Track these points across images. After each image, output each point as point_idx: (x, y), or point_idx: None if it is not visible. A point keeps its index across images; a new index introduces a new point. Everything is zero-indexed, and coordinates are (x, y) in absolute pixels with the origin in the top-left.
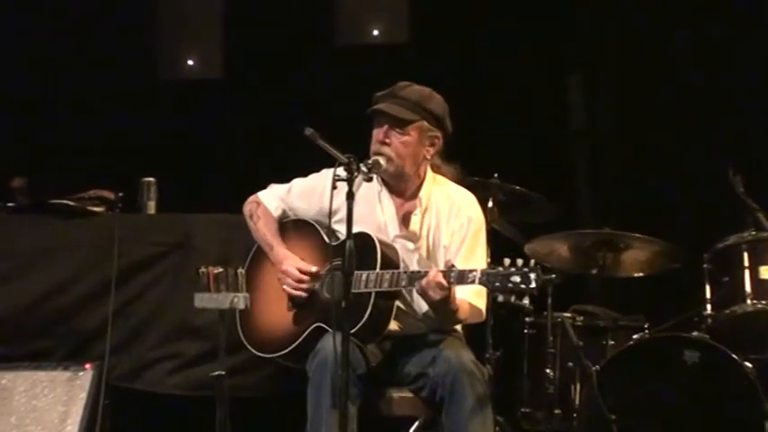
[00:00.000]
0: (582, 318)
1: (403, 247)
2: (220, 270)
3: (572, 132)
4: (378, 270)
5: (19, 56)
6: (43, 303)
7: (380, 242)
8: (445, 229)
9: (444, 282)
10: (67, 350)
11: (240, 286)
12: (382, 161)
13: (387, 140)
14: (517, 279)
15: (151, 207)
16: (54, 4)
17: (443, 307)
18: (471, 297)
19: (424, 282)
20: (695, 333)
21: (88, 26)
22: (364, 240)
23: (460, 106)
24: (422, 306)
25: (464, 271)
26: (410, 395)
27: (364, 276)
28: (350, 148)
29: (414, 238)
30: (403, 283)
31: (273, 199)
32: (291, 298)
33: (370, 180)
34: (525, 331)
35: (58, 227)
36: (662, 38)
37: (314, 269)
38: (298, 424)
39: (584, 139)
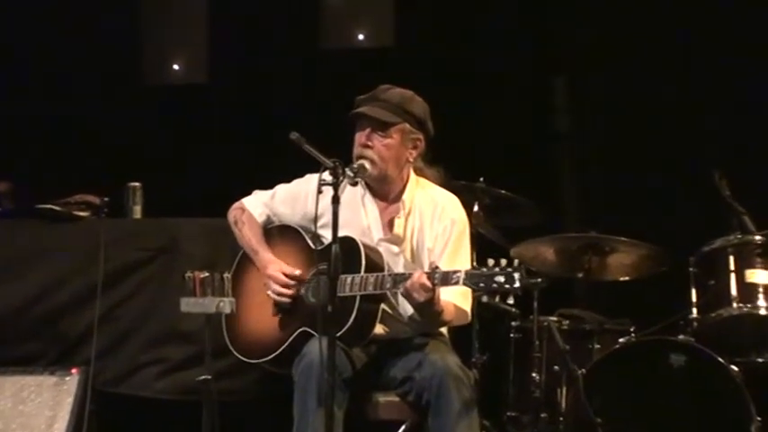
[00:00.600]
0: (568, 321)
1: (387, 251)
2: (206, 275)
3: (558, 135)
4: (362, 273)
5: (3, 59)
6: (29, 308)
7: (364, 246)
8: (429, 231)
9: (428, 283)
10: (54, 355)
11: (226, 291)
12: (367, 165)
13: (369, 143)
14: (501, 279)
15: (137, 212)
16: (39, 8)
17: (428, 309)
18: (456, 299)
19: (408, 284)
20: (681, 336)
21: (74, 30)
22: (348, 244)
23: (446, 110)
24: (407, 309)
25: (448, 272)
26: (396, 399)
27: (349, 280)
28: (336, 153)
29: (398, 241)
30: (387, 286)
31: (258, 205)
32: (277, 303)
33: (355, 184)
34: (511, 335)
35: (44, 232)
36: (648, 40)
37: (298, 272)
38: (284, 428)
39: (570, 142)
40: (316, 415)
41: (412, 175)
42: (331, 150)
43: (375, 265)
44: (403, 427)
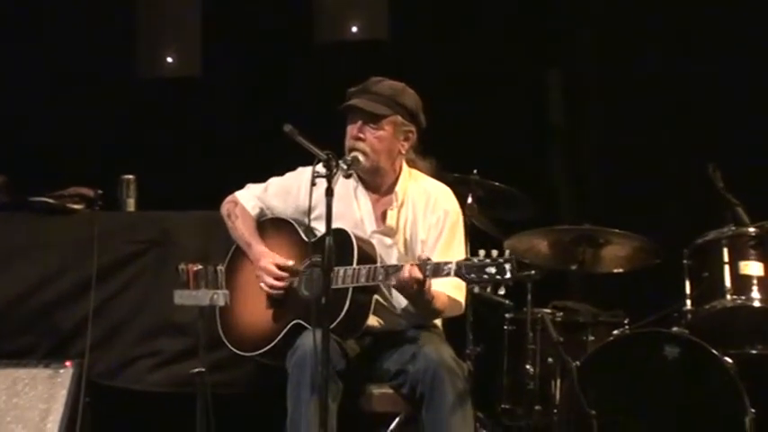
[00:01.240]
0: (562, 313)
1: (380, 243)
2: (200, 267)
3: (551, 128)
4: (355, 266)
5: None
6: (23, 301)
7: (357, 238)
8: (422, 223)
9: (420, 275)
10: (48, 348)
11: (220, 283)
12: (360, 157)
13: (361, 136)
14: (492, 270)
15: (131, 204)
16: (33, 2)
17: (421, 300)
18: (449, 290)
19: (400, 275)
20: (675, 328)
21: (68, 23)
22: (340, 236)
23: (440, 102)
24: (401, 301)
25: (439, 263)
26: (390, 391)
27: (341, 272)
28: (329, 145)
29: (391, 233)
30: (380, 278)
31: (250, 198)
32: (270, 295)
33: (349, 176)
34: (505, 327)
35: (38, 224)
36: (641, 34)
37: (291, 263)
38: (278, 420)
39: (564, 135)
40: (309, 407)
41: (404, 167)
42: (324, 143)
43: (367, 256)
44: (397, 420)
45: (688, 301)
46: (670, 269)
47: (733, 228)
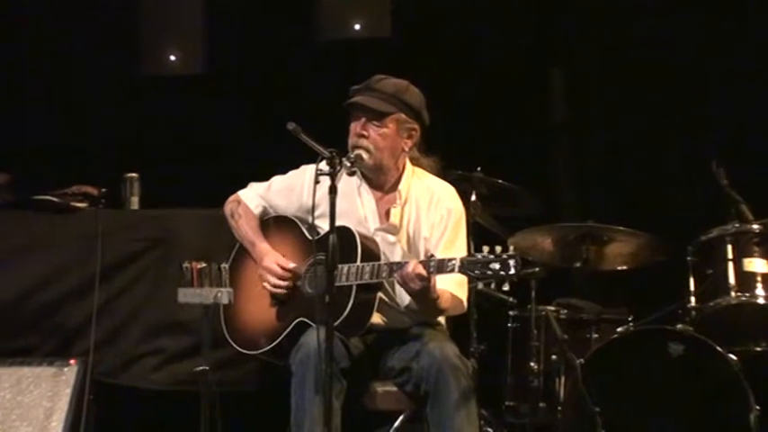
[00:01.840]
0: (566, 311)
1: (384, 240)
2: (204, 265)
3: (555, 125)
4: (358, 263)
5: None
6: (27, 299)
7: (360, 235)
8: (425, 220)
9: (424, 272)
10: (52, 346)
11: (224, 281)
12: (364, 155)
13: (365, 133)
14: (497, 266)
15: (134, 203)
16: (36, 1)
17: (424, 297)
18: (452, 287)
19: (403, 272)
20: (679, 326)
21: (71, 20)
22: (344, 234)
23: (443, 100)
24: (404, 298)
25: (443, 260)
26: (394, 389)
27: (345, 269)
28: (333, 143)
29: (394, 230)
30: (383, 275)
31: (253, 197)
32: (273, 294)
33: (353, 174)
34: (509, 325)
35: (42, 223)
36: (645, 31)
37: (292, 265)
38: (282, 418)
39: (567, 131)
40: (313, 405)
41: (408, 164)
42: (330, 141)
43: (371, 254)
44: (401, 418)
45: (692, 299)
46: (674, 266)
47: (737, 225)
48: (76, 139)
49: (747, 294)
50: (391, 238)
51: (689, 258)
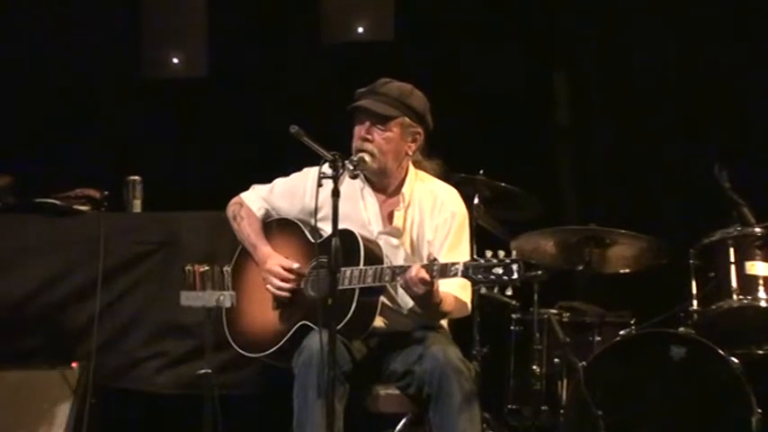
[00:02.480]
0: (568, 314)
1: (387, 244)
2: (206, 268)
3: (558, 129)
4: (361, 266)
5: (4, 54)
6: (29, 303)
7: (363, 238)
8: (429, 224)
9: (427, 276)
10: (54, 349)
11: (226, 284)
12: (367, 158)
13: (369, 137)
14: (500, 271)
15: (137, 205)
16: (39, 2)
17: (427, 301)
18: (456, 290)
19: (406, 276)
20: (682, 329)
21: (73, 24)
22: (347, 237)
23: (446, 103)
24: (407, 302)
25: (446, 264)
26: (397, 392)
27: (348, 273)
28: (336, 146)
29: (397, 234)
30: (386, 279)
31: (256, 200)
32: (276, 297)
33: (355, 177)
34: (512, 328)
35: (44, 226)
36: (647, 35)
37: (296, 266)
38: (284, 421)
39: (570, 135)
40: (316, 408)
41: (411, 168)
42: (332, 144)
43: (374, 257)
44: (404, 421)
45: (694, 302)
46: (676, 269)
47: (739, 228)
48: (79, 142)
49: (749, 297)
50: (394, 241)
51: (691, 261)
